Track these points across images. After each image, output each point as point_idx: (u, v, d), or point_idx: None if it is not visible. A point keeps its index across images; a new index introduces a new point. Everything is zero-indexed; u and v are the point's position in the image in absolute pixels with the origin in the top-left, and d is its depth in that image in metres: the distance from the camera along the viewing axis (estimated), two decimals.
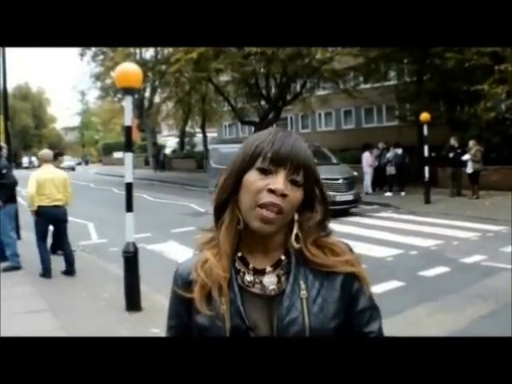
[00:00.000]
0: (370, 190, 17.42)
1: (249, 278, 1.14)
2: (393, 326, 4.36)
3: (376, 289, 6.05)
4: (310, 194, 1.13)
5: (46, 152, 7.88)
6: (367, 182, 17.56)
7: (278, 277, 1.14)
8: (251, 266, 1.15)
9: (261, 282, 1.14)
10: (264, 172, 1.08)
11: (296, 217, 1.13)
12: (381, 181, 17.93)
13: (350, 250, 1.19)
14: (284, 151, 1.09)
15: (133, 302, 5.69)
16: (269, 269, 1.14)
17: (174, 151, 43.60)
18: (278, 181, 1.07)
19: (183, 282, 1.18)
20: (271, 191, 1.06)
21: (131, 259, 5.76)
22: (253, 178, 1.09)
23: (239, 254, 1.16)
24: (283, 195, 1.06)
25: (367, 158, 17.68)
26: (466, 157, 14.97)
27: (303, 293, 1.11)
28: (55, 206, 7.28)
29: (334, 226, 1.21)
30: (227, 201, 1.14)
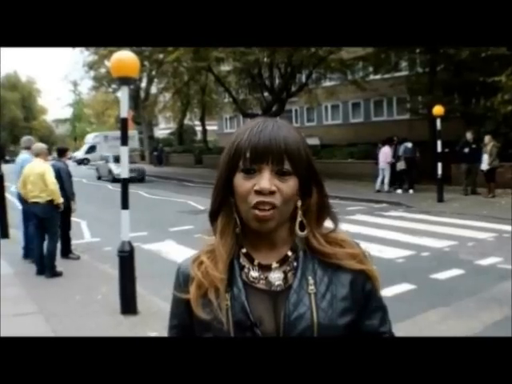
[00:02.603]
0: (386, 188, 17.01)
1: (254, 273, 1.17)
2: (403, 331, 4.37)
3: (386, 292, 6.05)
4: (305, 178, 1.14)
5: (36, 146, 8.03)
6: (383, 179, 17.13)
7: (285, 273, 1.16)
8: (256, 261, 1.17)
9: (266, 278, 1.16)
10: (248, 172, 1.11)
11: (299, 203, 1.15)
12: (393, 178, 17.39)
13: (359, 247, 1.23)
14: (262, 146, 1.10)
15: (128, 304, 5.70)
16: (275, 265, 1.17)
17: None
18: (263, 180, 1.09)
19: (185, 280, 1.21)
20: (258, 192, 1.08)
21: (127, 259, 5.77)
22: (239, 181, 1.12)
23: (244, 251, 1.18)
24: (271, 192, 1.09)
25: (386, 154, 17.10)
26: (484, 155, 14.81)
27: (311, 288, 1.13)
28: (34, 203, 7.48)
29: (342, 225, 1.23)
30: (221, 206, 1.18)
